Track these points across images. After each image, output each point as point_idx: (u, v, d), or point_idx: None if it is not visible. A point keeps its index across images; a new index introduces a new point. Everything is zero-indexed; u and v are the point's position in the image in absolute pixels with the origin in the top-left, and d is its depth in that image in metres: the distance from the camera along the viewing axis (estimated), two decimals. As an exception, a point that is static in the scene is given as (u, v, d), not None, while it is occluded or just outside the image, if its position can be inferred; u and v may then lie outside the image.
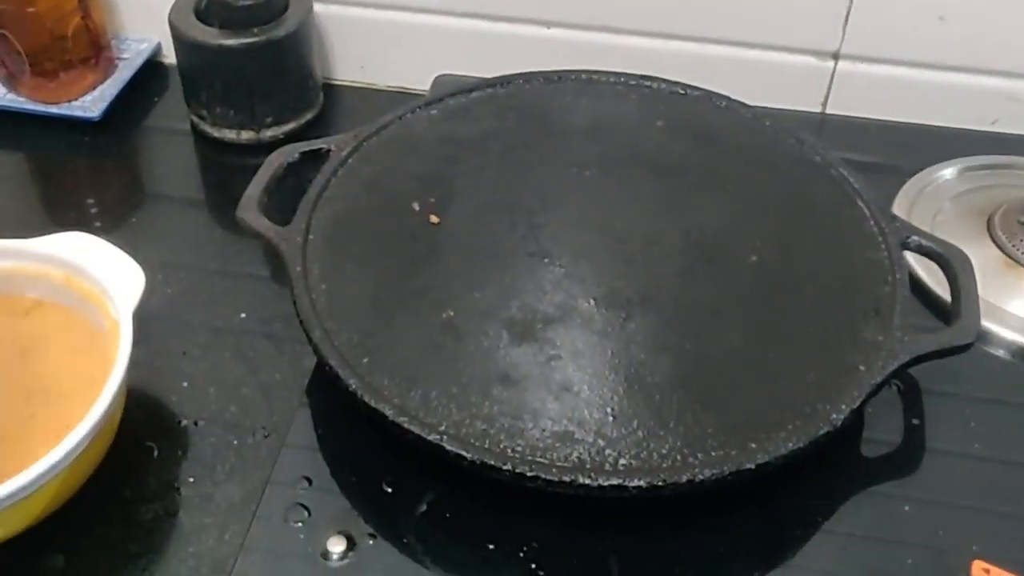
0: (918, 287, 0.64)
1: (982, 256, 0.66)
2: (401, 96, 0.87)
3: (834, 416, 0.49)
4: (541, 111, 0.67)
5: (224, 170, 0.82)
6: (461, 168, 0.63)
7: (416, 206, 0.60)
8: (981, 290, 0.62)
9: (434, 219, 0.59)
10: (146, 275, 0.57)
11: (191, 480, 0.57)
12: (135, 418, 0.59)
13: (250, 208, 0.58)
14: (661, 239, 0.59)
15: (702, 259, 0.58)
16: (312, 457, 0.56)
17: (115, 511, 0.55)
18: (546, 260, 0.57)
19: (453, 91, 0.68)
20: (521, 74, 0.70)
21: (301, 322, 0.53)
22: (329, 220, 0.59)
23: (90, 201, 0.78)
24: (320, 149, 0.63)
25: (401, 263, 0.57)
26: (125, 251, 0.58)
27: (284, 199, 0.62)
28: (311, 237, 0.57)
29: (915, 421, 0.58)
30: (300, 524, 0.52)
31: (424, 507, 0.52)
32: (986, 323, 0.62)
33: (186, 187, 0.80)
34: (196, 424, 0.60)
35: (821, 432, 0.48)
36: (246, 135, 0.81)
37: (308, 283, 0.55)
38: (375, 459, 0.54)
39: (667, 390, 0.51)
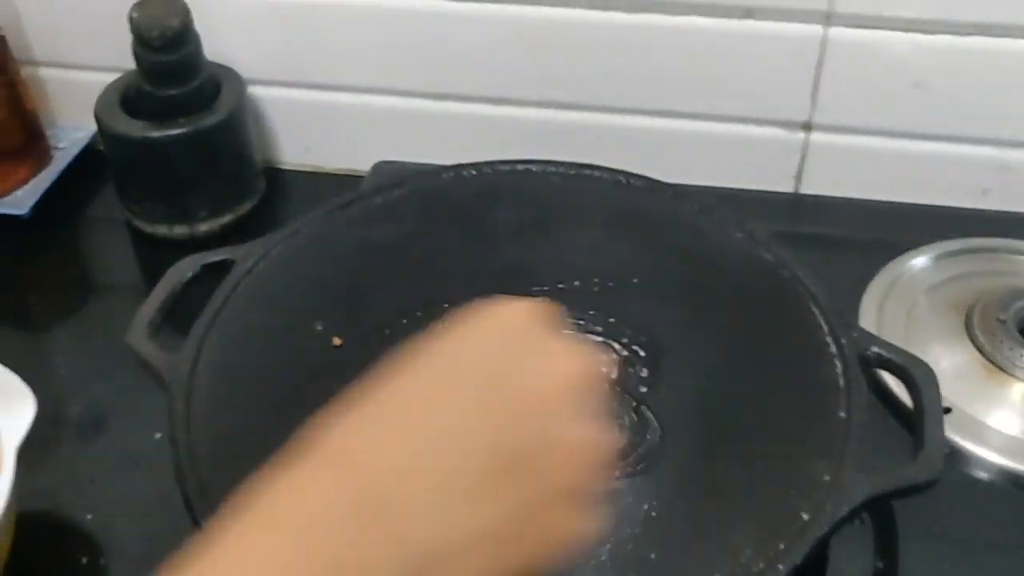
0: (884, 393, 0.57)
1: (960, 359, 0.59)
2: (349, 179, 0.82)
3: (770, 580, 0.43)
4: (469, 210, 0.61)
5: (158, 269, 0.77)
6: (375, 279, 0.58)
7: (319, 326, 0.55)
8: (959, 401, 0.55)
9: (337, 341, 0.54)
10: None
11: (90, 634, 0.52)
12: (30, 558, 0.54)
13: (139, 332, 0.53)
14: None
15: (627, 387, 0.52)
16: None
17: None
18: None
19: (377, 188, 0.63)
20: (453, 167, 0.64)
21: (176, 472, 0.48)
22: (223, 345, 0.54)
23: (16, 304, 0.74)
24: (224, 260, 0.58)
25: (296, 397, 0.51)
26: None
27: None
28: (199, 368, 0.52)
29: (880, 565, 0.51)
30: None
31: None
32: (965, 442, 0.55)
33: (117, 288, 0.76)
34: (99, 563, 0.55)
35: (754, 603, 0.42)
36: (179, 230, 0.76)
37: (190, 423, 0.49)
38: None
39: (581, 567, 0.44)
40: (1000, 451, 0.55)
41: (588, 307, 0.56)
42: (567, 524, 0.30)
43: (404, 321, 0.55)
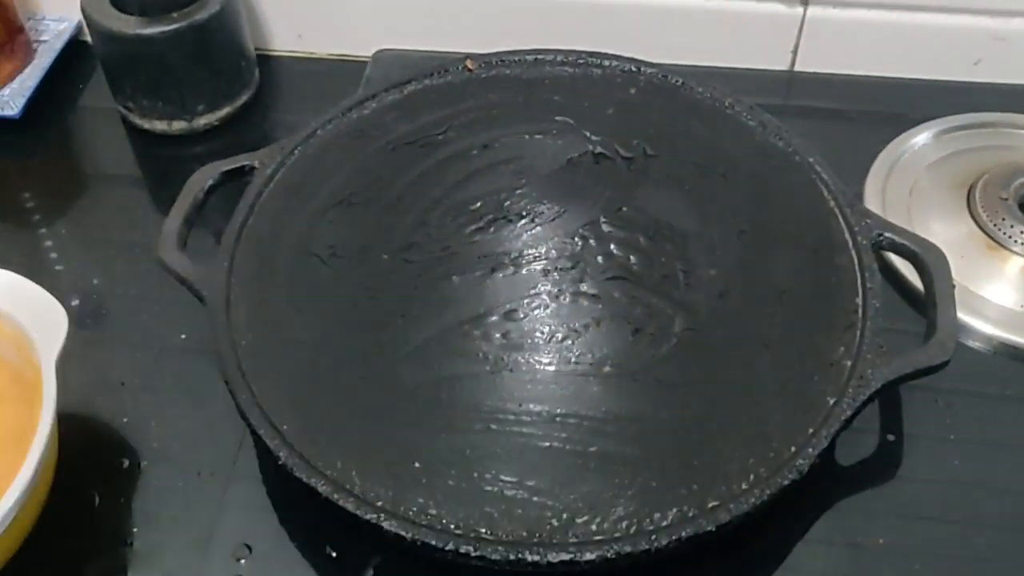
0: (895, 277, 0.60)
1: (961, 236, 0.62)
2: (342, 65, 0.81)
3: (800, 462, 0.46)
4: (482, 104, 0.62)
5: (159, 164, 0.77)
6: (397, 180, 0.58)
7: (347, 231, 0.56)
8: (960, 276, 0.58)
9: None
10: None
11: (135, 530, 0.54)
12: (73, 463, 0.55)
13: (168, 246, 0.54)
14: (608, 256, 0.55)
15: (654, 278, 0.53)
16: (255, 506, 0.53)
17: (58, 574, 0.52)
18: (488, 299, 0.53)
19: (386, 85, 0.63)
20: (459, 58, 0.64)
21: (226, 382, 0.50)
22: (256, 253, 0.55)
23: (14, 207, 0.73)
24: (244, 166, 0.58)
25: (330, 298, 0.53)
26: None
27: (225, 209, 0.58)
28: (234, 278, 0.53)
29: (891, 437, 0.54)
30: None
31: (371, 572, 0.49)
32: (964, 315, 0.58)
33: (119, 187, 0.75)
34: (139, 466, 0.57)
35: (786, 483, 0.45)
36: (178, 125, 0.75)
37: (232, 334, 0.51)
38: (319, 518, 0.50)
39: (618, 446, 0.47)
40: (997, 324, 0.58)
41: (603, 199, 0.57)
42: None
43: (434, 220, 0.56)
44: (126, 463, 0.57)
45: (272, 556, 0.50)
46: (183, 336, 0.62)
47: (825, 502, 0.53)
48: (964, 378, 0.57)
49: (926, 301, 0.52)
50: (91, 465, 0.57)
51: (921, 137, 0.68)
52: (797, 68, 0.76)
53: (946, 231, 0.62)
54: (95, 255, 0.69)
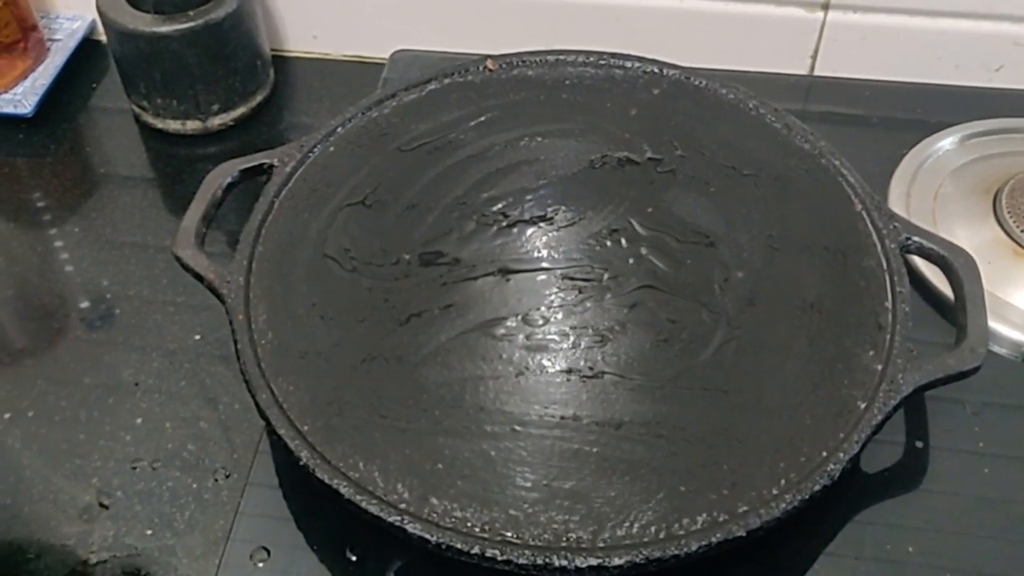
0: (920, 283, 0.59)
1: (987, 241, 0.61)
2: (358, 67, 0.81)
3: (831, 467, 0.45)
4: (503, 103, 0.61)
5: (171, 164, 0.76)
6: (418, 179, 0.57)
7: (367, 229, 0.55)
8: (987, 282, 0.57)
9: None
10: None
11: (149, 532, 0.53)
12: (87, 463, 0.56)
13: (186, 244, 0.53)
14: (634, 258, 0.54)
15: (681, 282, 0.53)
16: (273, 510, 0.52)
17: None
18: (510, 299, 0.53)
19: (407, 84, 0.62)
20: (480, 58, 0.64)
21: (246, 381, 0.49)
22: (275, 252, 0.54)
23: (26, 206, 0.73)
24: (262, 164, 0.58)
25: (350, 296, 0.52)
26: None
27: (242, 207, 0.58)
28: (254, 278, 0.52)
29: (919, 444, 0.54)
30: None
31: (391, 576, 0.48)
32: (992, 323, 0.57)
33: (131, 187, 0.74)
34: (152, 467, 0.56)
35: (817, 488, 0.44)
36: (192, 125, 0.75)
37: (252, 333, 0.50)
38: (338, 519, 0.50)
39: (646, 450, 0.46)
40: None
41: (627, 202, 0.56)
42: None
43: (454, 221, 0.55)
44: (139, 465, 0.56)
45: (291, 559, 0.50)
46: (197, 337, 0.62)
47: (852, 510, 0.52)
48: (992, 384, 0.56)
49: (955, 306, 0.51)
50: (104, 467, 0.56)
51: (945, 142, 0.67)
52: (816, 73, 0.76)
53: (972, 237, 0.61)
54: (106, 255, 0.68)
